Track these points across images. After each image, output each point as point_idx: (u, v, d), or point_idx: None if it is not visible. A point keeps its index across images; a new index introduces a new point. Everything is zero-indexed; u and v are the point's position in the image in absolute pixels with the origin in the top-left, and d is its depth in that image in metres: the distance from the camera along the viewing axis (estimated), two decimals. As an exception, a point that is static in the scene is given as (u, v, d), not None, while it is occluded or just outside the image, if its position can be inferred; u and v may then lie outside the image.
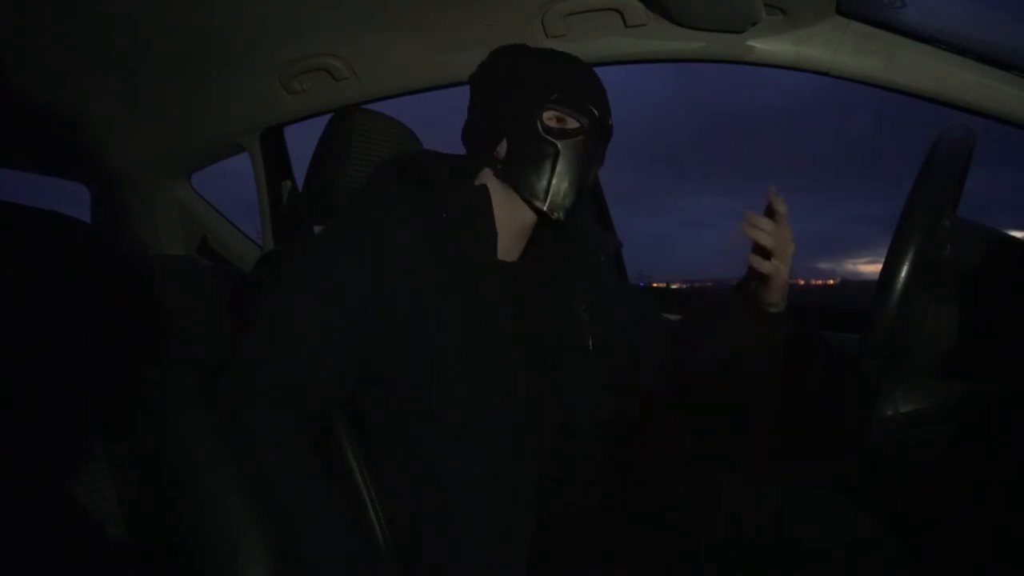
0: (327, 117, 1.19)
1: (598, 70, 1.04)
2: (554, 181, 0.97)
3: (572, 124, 0.98)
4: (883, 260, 0.82)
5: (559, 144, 0.97)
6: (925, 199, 0.81)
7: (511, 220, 1.00)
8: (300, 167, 1.41)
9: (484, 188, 1.00)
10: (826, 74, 1.18)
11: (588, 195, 1.07)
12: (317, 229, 1.01)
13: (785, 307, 1.01)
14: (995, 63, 1.04)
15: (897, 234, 0.81)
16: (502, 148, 0.99)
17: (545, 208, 0.97)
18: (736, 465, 1.04)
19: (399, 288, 0.89)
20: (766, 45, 1.19)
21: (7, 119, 1.46)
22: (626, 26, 1.24)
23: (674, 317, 1.28)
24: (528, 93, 0.98)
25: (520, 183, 0.97)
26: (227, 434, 0.70)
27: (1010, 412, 0.84)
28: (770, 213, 0.95)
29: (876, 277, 0.82)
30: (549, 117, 0.97)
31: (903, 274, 0.79)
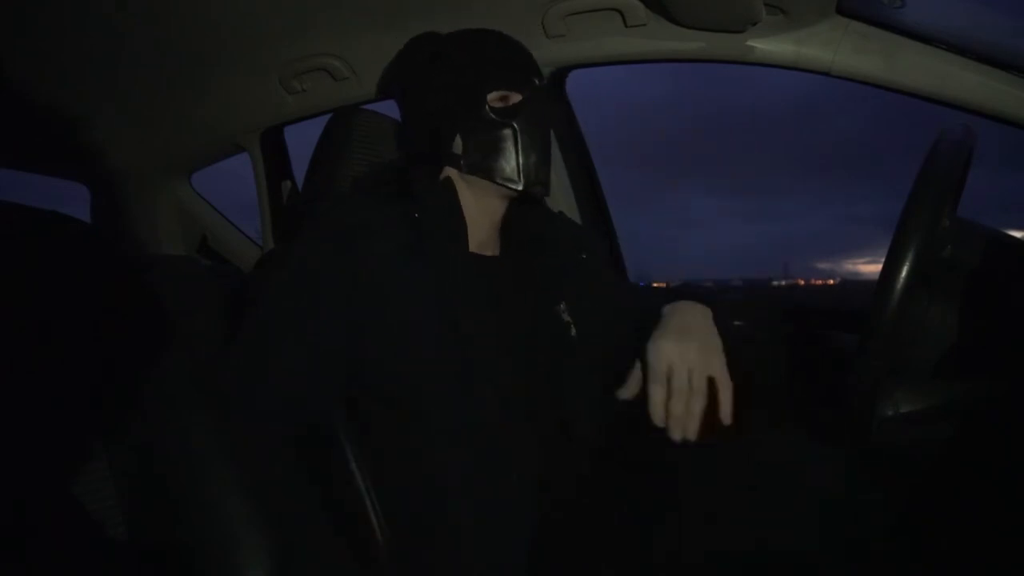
0: (327, 117, 1.19)
1: (597, 70, 1.06)
2: (522, 159, 0.98)
3: (517, 97, 0.99)
4: (883, 260, 0.82)
5: (514, 122, 0.98)
6: (925, 199, 0.81)
7: (481, 212, 1.01)
8: (300, 167, 1.41)
9: (448, 180, 1.01)
10: (826, 74, 1.18)
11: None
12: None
13: None
14: (995, 63, 1.04)
15: (897, 234, 0.81)
16: (457, 145, 0.99)
17: (522, 187, 0.98)
18: (734, 467, 1.04)
19: (377, 295, 0.90)
20: (766, 45, 1.19)
21: (7, 119, 1.46)
22: (626, 26, 1.24)
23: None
24: (466, 88, 0.99)
25: (490, 171, 0.98)
26: (226, 435, 0.71)
27: (1010, 412, 0.84)
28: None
29: (876, 277, 0.82)
30: (494, 99, 0.98)
31: (903, 274, 0.79)
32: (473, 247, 0.99)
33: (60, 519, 0.63)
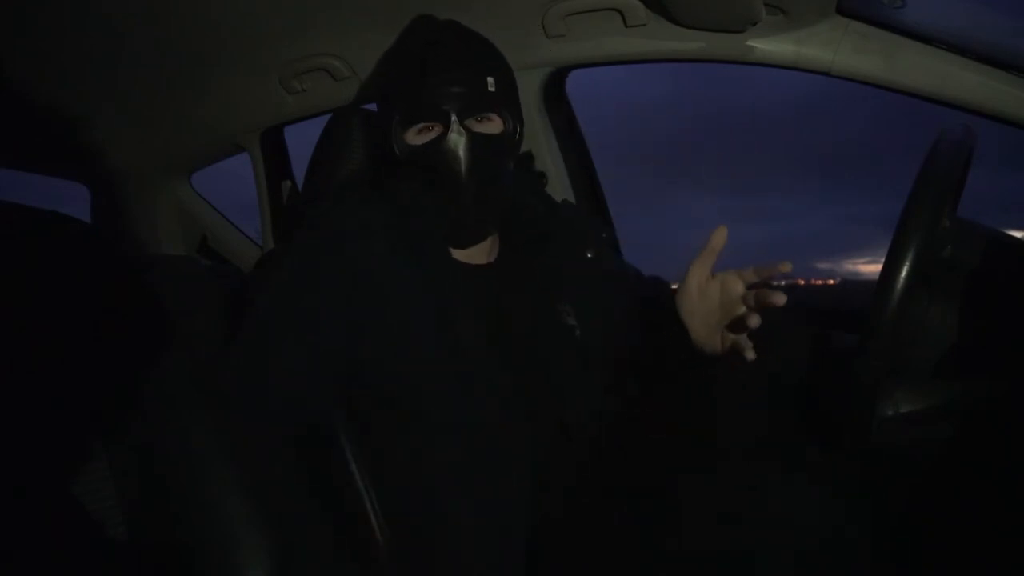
0: (327, 117, 1.19)
1: (597, 70, 1.04)
2: (445, 208, 0.92)
3: (434, 129, 0.91)
4: (883, 260, 0.82)
5: (425, 161, 0.91)
6: (925, 199, 0.81)
7: None
8: (300, 167, 1.41)
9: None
10: (826, 74, 1.18)
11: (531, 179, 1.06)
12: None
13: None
14: (995, 63, 1.04)
15: (897, 234, 0.81)
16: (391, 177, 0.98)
17: (452, 233, 0.94)
18: (735, 466, 1.04)
19: (376, 295, 0.89)
20: (766, 45, 1.18)
21: (7, 119, 1.46)
22: (626, 26, 1.24)
23: None
24: (380, 124, 0.95)
25: (415, 213, 0.94)
26: (226, 435, 0.71)
27: (1010, 412, 0.84)
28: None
29: (876, 277, 0.82)
30: (409, 135, 0.93)
31: (903, 274, 0.79)
32: (462, 255, 0.98)
33: (60, 519, 0.63)
